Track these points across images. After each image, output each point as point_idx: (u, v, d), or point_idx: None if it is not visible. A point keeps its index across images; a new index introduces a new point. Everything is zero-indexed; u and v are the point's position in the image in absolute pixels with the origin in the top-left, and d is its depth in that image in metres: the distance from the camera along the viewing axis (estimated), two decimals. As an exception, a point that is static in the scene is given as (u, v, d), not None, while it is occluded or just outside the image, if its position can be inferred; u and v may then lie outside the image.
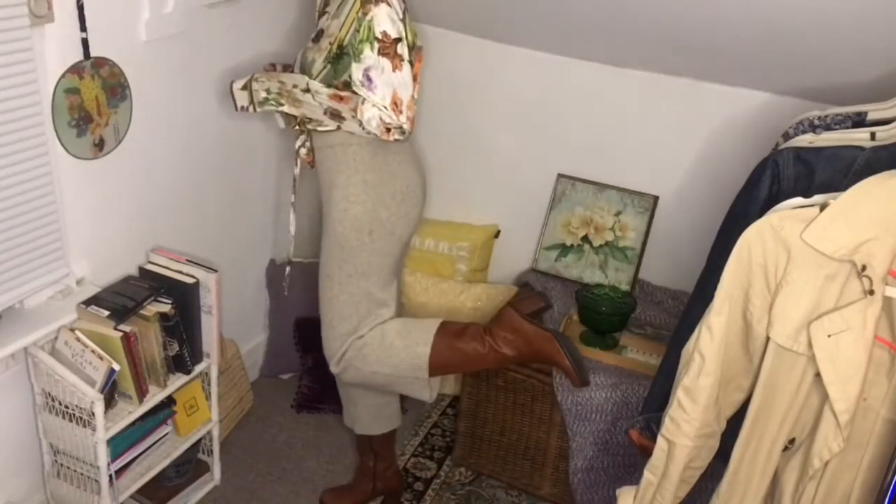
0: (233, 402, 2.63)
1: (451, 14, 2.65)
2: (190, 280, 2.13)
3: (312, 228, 2.64)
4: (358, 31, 1.91)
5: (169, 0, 2.11)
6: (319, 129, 2.05)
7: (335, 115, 1.99)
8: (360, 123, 1.94)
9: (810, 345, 1.43)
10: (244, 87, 2.08)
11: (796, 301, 1.45)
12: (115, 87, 2.01)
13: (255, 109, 2.10)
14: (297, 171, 2.28)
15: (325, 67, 2.00)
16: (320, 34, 2.03)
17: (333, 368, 2.23)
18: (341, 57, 1.96)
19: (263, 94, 2.06)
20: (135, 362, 2.01)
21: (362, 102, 1.92)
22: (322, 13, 2.07)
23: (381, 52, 1.89)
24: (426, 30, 2.79)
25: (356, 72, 1.91)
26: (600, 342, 2.41)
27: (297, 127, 2.13)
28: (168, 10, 2.11)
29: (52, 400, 2.01)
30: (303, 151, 2.18)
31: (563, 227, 2.75)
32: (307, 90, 1.99)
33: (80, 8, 1.85)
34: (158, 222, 2.30)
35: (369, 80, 1.90)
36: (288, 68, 2.20)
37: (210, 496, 2.44)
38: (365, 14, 1.90)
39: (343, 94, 1.96)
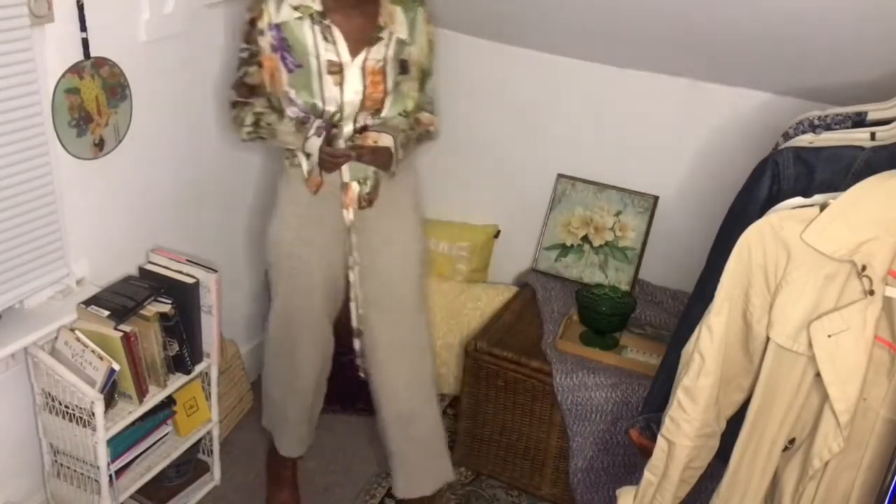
0: (233, 402, 2.63)
1: (451, 14, 2.64)
2: (190, 280, 2.13)
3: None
4: (430, 51, 1.98)
5: (169, 0, 2.11)
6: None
7: (418, 140, 2.01)
8: (430, 137, 2.01)
9: (810, 345, 1.43)
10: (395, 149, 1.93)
11: (796, 301, 1.45)
12: (115, 87, 2.01)
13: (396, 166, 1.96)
14: (351, 216, 2.01)
15: (418, 96, 2.02)
16: (405, 65, 1.95)
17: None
18: (425, 79, 2.01)
19: (402, 152, 1.94)
20: (135, 362, 2.01)
21: (431, 115, 2.05)
22: (377, 39, 1.90)
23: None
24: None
25: (429, 90, 2.03)
26: (600, 342, 2.41)
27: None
28: (168, 10, 2.11)
29: (52, 400, 2.01)
30: (364, 190, 1.98)
31: (563, 227, 2.75)
32: (412, 127, 1.99)
33: (80, 8, 1.86)
34: (158, 222, 2.30)
35: (433, 92, 2.04)
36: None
37: (210, 496, 2.44)
38: (430, 33, 1.97)
39: (417, 115, 2.03)
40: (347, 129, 1.92)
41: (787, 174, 1.68)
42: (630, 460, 2.31)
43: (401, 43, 1.92)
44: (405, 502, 2.31)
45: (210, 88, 2.37)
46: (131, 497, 2.19)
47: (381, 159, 1.89)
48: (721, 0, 2.03)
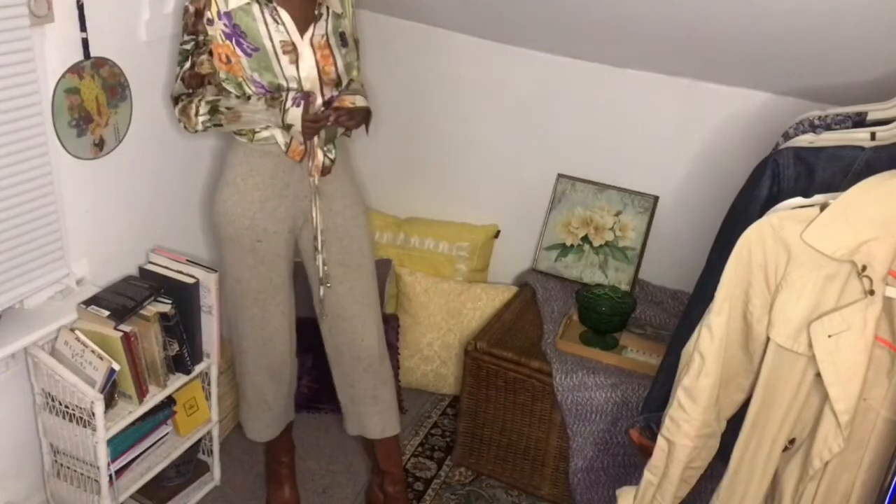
0: (233, 402, 2.63)
1: (451, 14, 2.65)
2: (190, 280, 2.13)
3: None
4: (354, 20, 2.07)
5: (169, 0, 2.11)
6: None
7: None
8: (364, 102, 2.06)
9: (810, 345, 1.43)
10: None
11: (796, 301, 1.45)
12: (115, 87, 2.01)
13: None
14: (317, 182, 2.07)
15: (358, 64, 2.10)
16: (343, 37, 2.02)
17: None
18: (356, 48, 2.10)
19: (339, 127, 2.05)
20: (135, 362, 2.01)
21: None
22: (319, 16, 1.99)
23: None
24: (426, 30, 2.80)
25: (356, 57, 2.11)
26: (600, 342, 2.41)
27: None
28: (168, 10, 2.11)
29: (52, 400, 2.01)
30: (326, 161, 2.07)
31: (563, 227, 2.75)
32: (362, 93, 2.08)
33: (80, 8, 1.86)
34: (158, 222, 2.30)
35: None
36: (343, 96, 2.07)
37: (210, 496, 2.44)
38: (354, 3, 2.06)
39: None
40: (319, 100, 1.99)
41: (788, 174, 1.68)
42: (630, 460, 2.31)
43: (336, 17, 2.00)
44: (382, 443, 2.36)
45: (210, 88, 2.37)
46: (131, 497, 2.19)
47: (359, 119, 2.01)
48: (721, 0, 2.03)
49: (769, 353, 1.51)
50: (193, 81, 1.97)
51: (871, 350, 1.40)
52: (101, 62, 1.95)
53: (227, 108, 1.95)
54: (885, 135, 1.62)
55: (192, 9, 1.91)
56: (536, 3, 2.36)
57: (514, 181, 2.85)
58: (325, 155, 2.05)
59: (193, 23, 1.92)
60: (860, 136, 1.65)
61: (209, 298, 2.15)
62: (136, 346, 2.01)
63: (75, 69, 1.89)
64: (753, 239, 1.48)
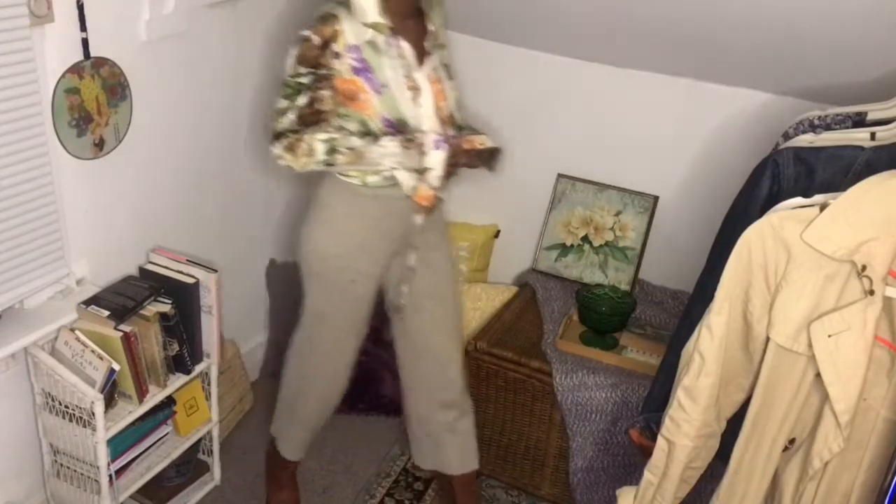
0: (233, 402, 2.63)
1: (452, 14, 2.64)
2: (190, 280, 2.13)
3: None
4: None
5: (169, 0, 2.11)
6: None
7: None
8: None
9: (810, 345, 1.43)
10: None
11: (796, 301, 1.45)
12: (115, 87, 2.01)
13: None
14: (420, 220, 2.00)
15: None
16: (448, 70, 1.96)
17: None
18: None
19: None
20: (135, 362, 2.01)
21: None
22: (431, 48, 1.91)
23: None
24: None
25: None
26: (600, 342, 2.41)
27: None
28: (168, 10, 2.11)
29: (52, 400, 2.01)
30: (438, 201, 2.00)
31: (563, 227, 2.75)
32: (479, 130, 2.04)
33: (80, 8, 1.85)
34: (158, 222, 2.30)
35: None
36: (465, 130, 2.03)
37: (210, 496, 2.44)
38: (446, 31, 1.97)
39: None
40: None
41: (787, 174, 1.68)
42: (630, 460, 2.31)
43: (441, 47, 1.92)
44: (459, 479, 2.30)
45: (210, 88, 2.37)
46: (131, 497, 2.19)
47: (494, 160, 1.93)
48: (721, 0, 2.03)
49: (769, 353, 1.51)
50: (310, 118, 1.85)
51: (870, 350, 1.41)
52: (101, 62, 1.95)
53: (349, 149, 1.84)
54: (885, 135, 1.63)
55: (316, 40, 1.79)
56: (536, 4, 2.36)
57: (514, 181, 2.84)
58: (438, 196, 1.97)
59: (316, 55, 1.80)
60: (860, 136, 1.65)
61: (209, 298, 2.15)
62: (136, 346, 2.01)
63: (75, 69, 1.89)
64: (753, 239, 1.48)
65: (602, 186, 2.69)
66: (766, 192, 1.70)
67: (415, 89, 1.85)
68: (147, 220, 2.26)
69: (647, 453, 1.75)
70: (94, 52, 1.92)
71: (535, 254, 2.80)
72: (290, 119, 1.86)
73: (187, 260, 2.17)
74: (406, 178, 1.90)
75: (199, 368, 2.23)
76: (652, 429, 1.88)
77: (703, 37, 2.21)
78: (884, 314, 1.41)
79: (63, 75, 1.86)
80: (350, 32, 1.79)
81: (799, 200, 1.48)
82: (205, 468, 2.46)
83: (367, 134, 1.88)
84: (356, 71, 1.82)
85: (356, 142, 1.85)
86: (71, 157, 1.95)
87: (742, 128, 2.43)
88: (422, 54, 1.88)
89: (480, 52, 2.73)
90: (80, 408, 1.96)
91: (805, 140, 1.70)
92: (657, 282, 2.69)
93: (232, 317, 2.56)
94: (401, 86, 1.84)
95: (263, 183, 2.73)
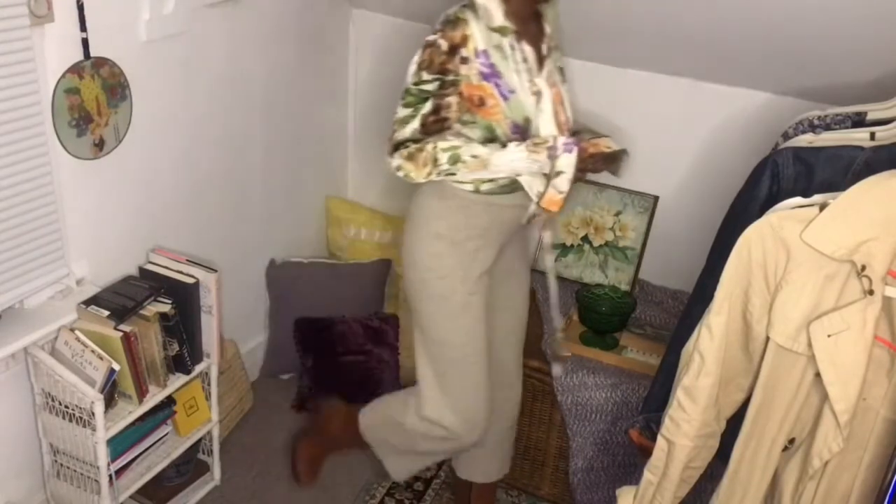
0: (233, 402, 2.63)
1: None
2: (190, 280, 2.13)
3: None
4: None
5: (169, 0, 2.11)
6: None
7: None
8: None
9: (810, 345, 1.43)
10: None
11: (796, 301, 1.45)
12: (115, 87, 2.01)
13: None
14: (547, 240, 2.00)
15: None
16: (563, 72, 1.91)
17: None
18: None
19: None
20: (135, 362, 2.01)
21: None
22: (549, 50, 1.86)
23: None
24: (425, 29, 2.79)
25: None
26: (600, 342, 2.41)
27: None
28: (168, 10, 2.11)
29: (52, 400, 2.01)
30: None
31: (563, 226, 2.74)
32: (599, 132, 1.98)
33: (80, 8, 1.86)
34: (158, 222, 2.30)
35: None
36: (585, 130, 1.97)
37: (210, 496, 2.44)
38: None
39: None
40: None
41: (787, 174, 1.68)
42: (630, 460, 2.31)
43: (556, 49, 1.88)
44: (479, 487, 2.34)
45: (211, 88, 2.37)
46: (131, 497, 2.19)
47: (619, 162, 1.88)
48: (721, 0, 2.03)
49: (769, 353, 1.51)
50: (434, 126, 1.79)
51: (870, 350, 1.41)
52: (101, 62, 1.95)
53: (473, 157, 1.77)
54: (885, 135, 1.63)
55: (444, 45, 1.73)
56: (536, 3, 2.36)
57: (514, 181, 2.84)
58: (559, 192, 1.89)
59: (443, 61, 1.74)
60: (860, 136, 1.65)
61: (209, 298, 2.16)
62: (136, 346, 2.01)
63: (75, 69, 1.89)
64: (753, 239, 1.48)
65: (602, 186, 2.69)
66: (765, 192, 1.70)
67: (537, 93, 1.80)
68: (147, 220, 2.26)
69: (646, 453, 1.75)
70: (94, 52, 1.92)
71: (535, 254, 2.80)
72: (412, 128, 1.79)
73: (187, 260, 2.17)
74: (535, 184, 1.83)
75: (199, 368, 2.23)
76: (652, 429, 1.88)
77: (703, 37, 2.21)
78: (883, 314, 1.41)
79: (63, 75, 1.86)
80: (479, 36, 1.73)
81: (798, 200, 1.48)
82: (205, 468, 2.46)
83: (492, 140, 1.81)
84: (485, 76, 1.75)
85: (481, 150, 1.79)
86: (71, 157, 1.95)
87: (742, 128, 2.43)
88: (540, 58, 1.82)
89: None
90: (80, 408, 1.96)
91: (805, 140, 1.70)
92: (657, 282, 2.69)
93: (232, 317, 2.56)
94: (525, 90, 1.78)
95: (263, 183, 2.73)
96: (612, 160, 1.86)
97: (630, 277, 2.65)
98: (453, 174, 1.81)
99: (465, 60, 1.74)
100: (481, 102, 1.78)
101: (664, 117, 2.56)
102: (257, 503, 2.44)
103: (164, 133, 2.23)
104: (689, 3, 2.08)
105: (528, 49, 1.78)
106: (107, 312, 1.98)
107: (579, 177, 1.83)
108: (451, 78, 1.76)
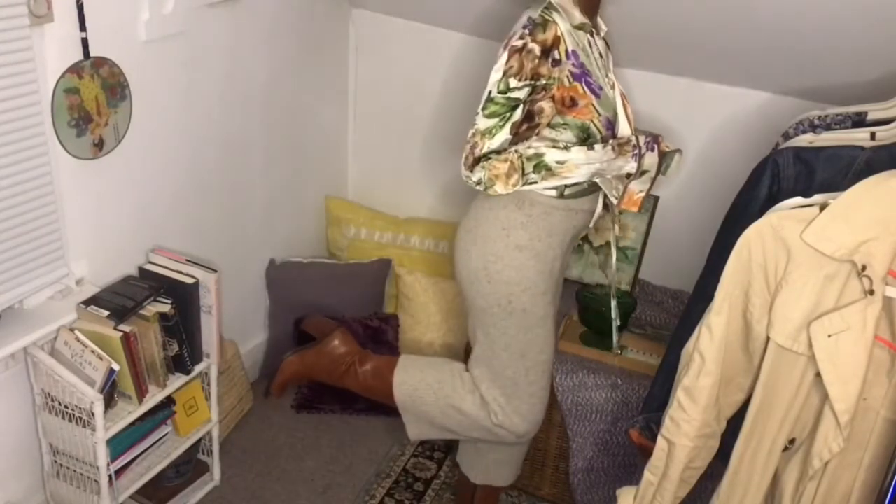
0: (233, 402, 2.63)
1: (452, 14, 2.64)
2: (190, 280, 2.13)
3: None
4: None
5: (169, 0, 2.11)
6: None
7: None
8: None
9: (810, 345, 1.43)
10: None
11: (796, 301, 1.45)
12: (115, 87, 2.01)
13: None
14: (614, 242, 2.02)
15: None
16: (625, 98, 1.86)
17: None
18: None
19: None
20: (134, 362, 2.01)
21: None
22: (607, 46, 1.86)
23: None
24: (426, 29, 2.80)
25: None
26: (600, 342, 2.41)
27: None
28: (168, 10, 2.11)
29: (52, 400, 2.01)
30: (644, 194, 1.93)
31: (563, 227, 2.74)
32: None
33: (80, 8, 1.85)
34: (158, 222, 2.30)
35: None
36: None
37: (210, 496, 2.44)
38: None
39: None
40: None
41: (787, 174, 1.68)
42: (630, 460, 2.31)
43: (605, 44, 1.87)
44: (482, 489, 2.33)
45: (211, 88, 2.37)
46: (131, 497, 2.19)
47: (671, 162, 1.88)
48: (721, 0, 2.03)
49: (769, 353, 1.51)
50: (526, 134, 1.74)
51: (870, 350, 1.41)
52: (101, 62, 1.95)
53: (558, 162, 1.71)
54: (885, 135, 1.63)
55: (537, 49, 1.64)
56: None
57: (514, 181, 2.84)
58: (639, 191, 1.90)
59: (535, 66, 1.66)
60: (860, 136, 1.65)
61: (209, 298, 2.15)
62: (135, 346, 2.01)
63: (75, 69, 1.89)
64: (753, 239, 1.48)
65: (602, 186, 2.69)
66: (766, 192, 1.70)
67: (613, 87, 1.78)
68: (147, 220, 2.26)
69: (647, 453, 1.75)
70: (93, 52, 1.92)
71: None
72: (501, 139, 1.71)
73: (187, 260, 2.17)
74: (615, 186, 1.80)
75: (198, 368, 2.23)
76: (652, 429, 1.88)
77: (703, 37, 2.21)
78: (884, 314, 1.41)
79: (63, 75, 1.86)
80: (567, 37, 1.68)
81: (799, 200, 1.48)
82: (204, 468, 2.46)
83: (586, 140, 1.77)
84: (575, 77, 1.69)
85: (565, 154, 1.73)
86: (70, 156, 1.95)
87: (742, 128, 2.43)
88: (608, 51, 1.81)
89: (481, 52, 2.72)
90: (80, 408, 1.96)
91: (805, 140, 1.70)
92: (657, 282, 2.69)
93: (232, 317, 2.56)
94: (607, 85, 1.76)
95: (263, 183, 2.73)
96: (665, 159, 1.85)
97: (630, 277, 2.65)
98: (533, 183, 1.74)
99: (556, 63, 1.68)
100: (573, 103, 1.72)
101: (664, 117, 2.56)
102: (257, 503, 2.44)
103: (163, 133, 2.23)
104: (690, 4, 2.08)
105: (600, 44, 1.75)
106: (106, 312, 1.98)
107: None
108: (542, 83, 1.69)
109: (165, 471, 2.27)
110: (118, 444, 2.06)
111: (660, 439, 1.65)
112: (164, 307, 2.08)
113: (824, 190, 1.50)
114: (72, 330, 1.97)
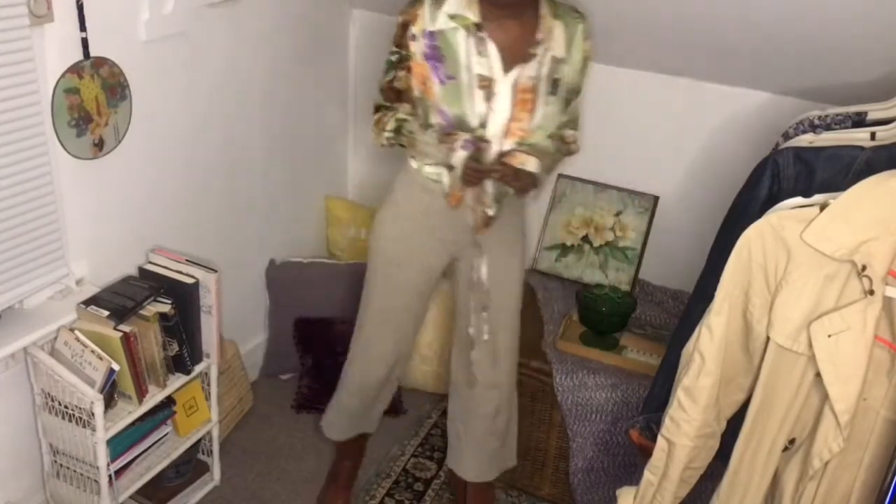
0: (233, 402, 2.63)
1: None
2: (190, 280, 2.13)
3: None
4: (582, 70, 1.92)
5: (169, 0, 2.11)
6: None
7: (561, 157, 2.00)
8: (570, 154, 2.02)
9: (810, 345, 1.43)
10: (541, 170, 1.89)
11: (796, 301, 1.45)
12: (115, 87, 2.01)
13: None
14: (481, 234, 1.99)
15: (560, 117, 1.95)
16: (556, 84, 1.87)
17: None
18: (573, 98, 1.95)
19: (545, 176, 1.92)
20: (134, 362, 2.01)
21: (574, 131, 2.01)
22: (531, 56, 1.83)
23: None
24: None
25: (576, 108, 1.98)
26: (600, 342, 2.41)
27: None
28: (168, 10, 2.11)
29: (52, 400, 2.01)
30: (491, 211, 1.95)
31: (563, 227, 2.75)
32: (557, 149, 1.96)
33: (80, 8, 1.85)
34: (158, 222, 2.30)
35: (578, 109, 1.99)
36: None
37: (210, 496, 2.44)
38: (586, 51, 1.91)
39: (560, 132, 1.98)
40: (493, 149, 1.86)
41: (788, 174, 1.68)
42: (630, 460, 2.31)
43: (556, 61, 1.85)
44: (474, 487, 2.35)
45: (211, 88, 2.37)
46: (131, 497, 2.19)
47: (523, 183, 1.85)
48: (722, 0, 2.03)
49: (769, 353, 1.51)
50: (390, 94, 1.94)
51: (870, 350, 1.41)
52: (101, 62, 1.95)
53: (409, 132, 1.90)
54: (885, 135, 1.63)
55: (399, 21, 1.85)
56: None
57: (514, 181, 2.84)
58: (490, 209, 1.93)
59: (400, 35, 1.86)
60: (860, 136, 1.65)
61: (209, 298, 2.15)
62: (135, 346, 2.01)
63: (75, 69, 1.89)
64: (753, 239, 1.48)
65: (602, 186, 2.69)
66: (766, 192, 1.70)
67: (488, 89, 1.81)
68: (147, 220, 2.26)
69: (647, 453, 1.75)
70: (93, 52, 1.92)
71: (536, 254, 2.80)
72: (379, 94, 1.96)
73: (187, 260, 2.17)
74: (445, 175, 1.91)
75: (198, 368, 2.23)
76: (652, 429, 1.88)
77: (703, 37, 2.21)
78: (884, 314, 1.41)
79: (63, 75, 1.86)
80: (429, 18, 1.81)
81: (799, 200, 1.48)
82: (204, 468, 2.46)
83: (425, 122, 1.90)
84: (426, 56, 1.83)
85: (414, 126, 1.91)
86: (70, 156, 1.95)
87: (742, 128, 2.43)
88: (518, 59, 1.81)
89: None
90: (80, 408, 1.96)
91: (805, 140, 1.70)
92: (657, 282, 2.69)
93: (232, 317, 2.56)
94: (472, 82, 1.80)
95: (263, 183, 2.73)
96: (517, 177, 1.84)
97: (630, 277, 2.65)
98: (401, 145, 1.94)
99: (413, 38, 1.83)
100: (423, 81, 1.86)
101: (664, 117, 2.56)
102: (257, 503, 2.44)
103: (163, 133, 2.23)
104: (690, 3, 2.08)
105: (491, 44, 1.79)
106: (106, 312, 1.98)
107: (474, 178, 1.84)
108: (404, 52, 1.87)
109: (165, 471, 2.26)
110: (118, 444, 2.06)
111: (660, 439, 1.65)
112: (164, 307, 2.08)
113: (824, 190, 1.50)
114: (72, 330, 1.97)
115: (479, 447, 2.27)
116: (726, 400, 1.62)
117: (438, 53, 1.81)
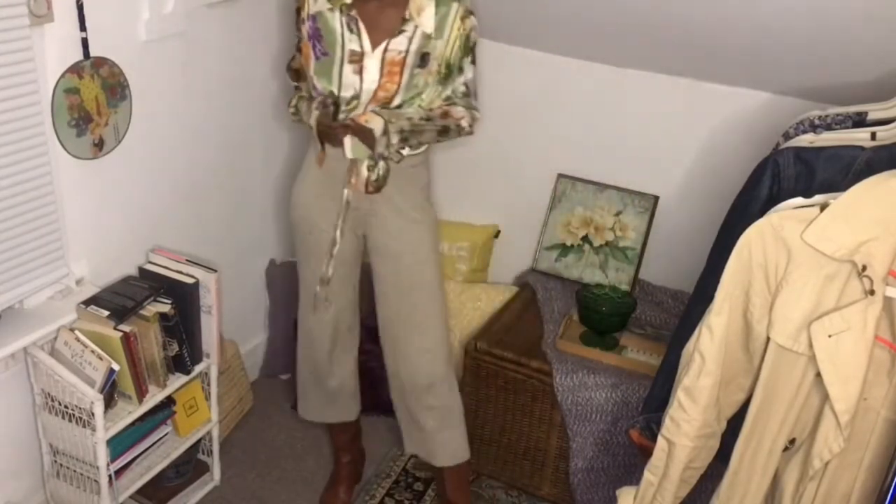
0: (233, 402, 2.63)
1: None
2: (190, 280, 2.13)
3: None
4: (461, 47, 1.99)
5: (169, 0, 2.11)
6: (414, 153, 2.04)
7: (442, 132, 2.03)
8: (461, 132, 2.05)
9: (811, 345, 1.43)
10: (383, 133, 1.94)
11: (797, 301, 1.45)
12: (115, 87, 2.01)
13: (390, 156, 1.99)
14: (348, 196, 2.06)
15: (435, 89, 2.02)
16: (426, 58, 1.96)
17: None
18: (449, 75, 2.02)
19: (396, 138, 1.95)
20: (134, 362, 2.01)
21: (467, 110, 2.05)
22: (399, 31, 1.93)
23: (473, 61, 2.04)
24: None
25: (460, 85, 2.04)
26: (600, 342, 2.41)
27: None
28: (168, 10, 2.11)
29: (52, 400, 2.01)
30: (372, 175, 1.99)
31: (564, 227, 2.74)
32: (428, 118, 2.01)
33: (80, 8, 1.85)
34: (158, 222, 2.30)
35: (469, 87, 2.05)
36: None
37: (210, 496, 2.44)
38: (464, 29, 1.98)
39: (447, 108, 2.04)
40: (358, 113, 1.99)
41: (788, 174, 1.68)
42: (630, 460, 2.31)
43: (426, 37, 1.95)
44: (449, 471, 2.32)
45: (210, 88, 2.36)
46: (131, 497, 2.19)
47: (366, 139, 1.94)
48: (722, 0, 2.03)
49: (769, 353, 1.51)
50: (292, 74, 2.12)
51: (871, 350, 1.41)
52: (101, 62, 1.95)
53: (300, 109, 2.08)
54: (886, 135, 1.63)
55: (295, 6, 2.01)
56: (537, 4, 2.36)
57: (514, 181, 2.84)
58: (371, 173, 1.99)
59: (296, 20, 2.02)
60: (860, 136, 1.65)
61: (209, 298, 2.15)
62: (135, 346, 2.01)
63: (75, 69, 1.89)
64: (754, 239, 1.48)
65: (602, 186, 2.69)
66: (766, 192, 1.70)
67: (357, 63, 1.94)
68: (147, 220, 2.26)
69: (647, 453, 1.75)
70: (93, 52, 1.92)
71: (536, 254, 2.80)
72: (286, 75, 2.15)
73: (187, 260, 2.17)
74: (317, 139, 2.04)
75: (198, 368, 2.23)
76: (652, 429, 1.88)
77: (703, 37, 2.21)
78: (884, 314, 1.41)
79: (63, 75, 1.86)
80: (312, 2, 1.96)
81: (799, 200, 1.48)
82: (204, 468, 2.46)
83: (310, 94, 2.04)
84: (309, 37, 1.98)
85: (304, 103, 2.07)
86: (70, 156, 1.95)
87: (742, 128, 2.43)
88: (387, 35, 1.93)
89: (481, 52, 2.72)
90: (80, 408, 1.96)
91: (805, 140, 1.70)
92: (657, 282, 2.69)
93: (232, 317, 2.56)
94: (343, 57, 1.94)
95: (263, 183, 2.73)
96: (362, 133, 1.95)
97: (630, 277, 2.65)
98: (302, 121, 2.08)
99: (303, 21, 1.99)
100: (308, 59, 2.01)
101: (664, 117, 2.56)
102: (257, 503, 2.44)
103: (163, 133, 2.23)
104: (690, 3, 2.08)
105: (361, 23, 1.94)
106: (106, 312, 1.98)
107: (325, 133, 1.98)
108: (299, 35, 2.03)
109: (165, 471, 2.27)
110: (118, 444, 2.06)
111: (660, 439, 1.65)
112: (164, 307, 2.08)
113: (825, 190, 1.50)
114: (72, 330, 1.97)
115: (416, 425, 2.25)
116: (726, 400, 1.62)
117: (318, 33, 1.96)
